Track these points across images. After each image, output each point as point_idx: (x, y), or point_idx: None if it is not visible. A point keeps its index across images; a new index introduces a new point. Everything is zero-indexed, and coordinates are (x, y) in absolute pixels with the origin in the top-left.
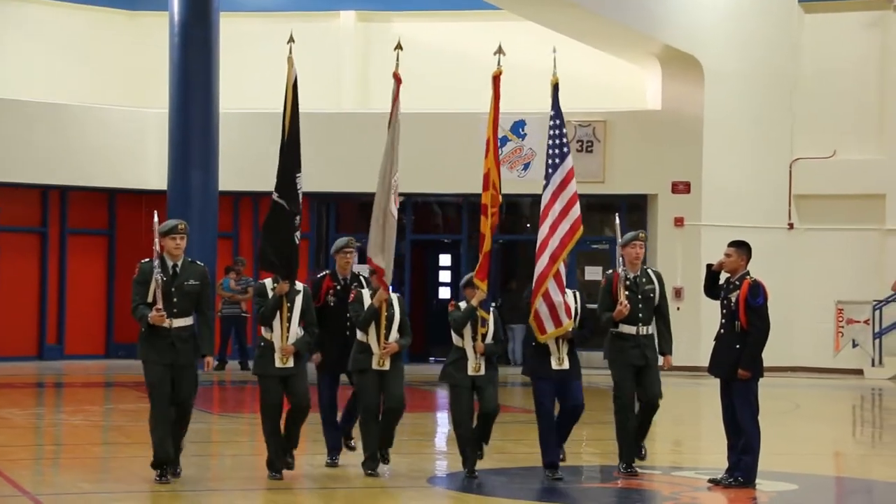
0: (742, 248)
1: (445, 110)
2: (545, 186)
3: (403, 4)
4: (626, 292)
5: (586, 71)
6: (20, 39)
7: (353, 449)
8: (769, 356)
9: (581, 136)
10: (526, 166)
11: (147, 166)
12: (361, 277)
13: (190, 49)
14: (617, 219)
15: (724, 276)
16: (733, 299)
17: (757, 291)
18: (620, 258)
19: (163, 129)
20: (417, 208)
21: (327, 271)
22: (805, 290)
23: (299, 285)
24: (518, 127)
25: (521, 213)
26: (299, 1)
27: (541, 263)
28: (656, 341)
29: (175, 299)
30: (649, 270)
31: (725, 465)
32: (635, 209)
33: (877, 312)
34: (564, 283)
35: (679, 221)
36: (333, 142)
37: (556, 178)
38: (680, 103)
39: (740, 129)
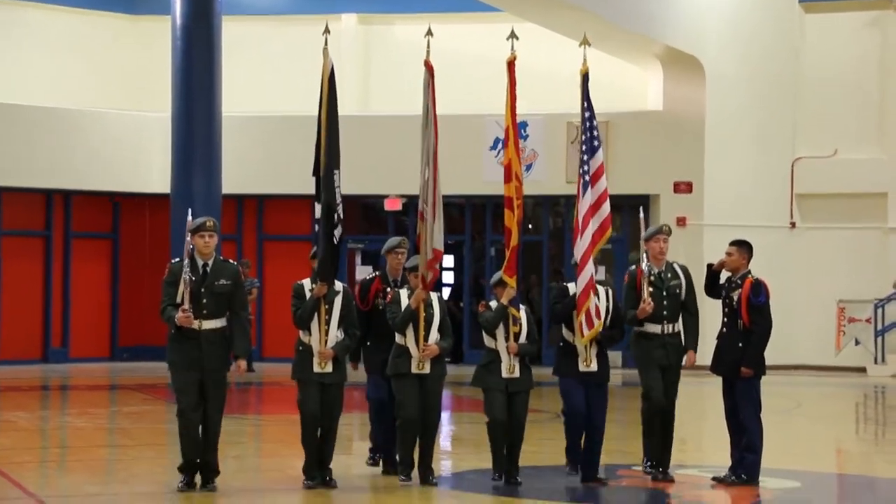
0: (743, 247)
1: (448, 112)
2: (581, 177)
3: (405, 7)
4: (650, 289)
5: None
6: (23, 44)
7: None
8: (771, 355)
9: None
10: (528, 168)
11: (150, 170)
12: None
13: (192, 52)
14: (641, 213)
15: (725, 276)
16: (735, 298)
17: (759, 290)
18: (644, 253)
19: (166, 133)
20: (420, 211)
21: (377, 273)
22: (807, 289)
23: (339, 286)
24: (520, 128)
25: (524, 213)
26: (301, 4)
27: (581, 258)
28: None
29: (204, 300)
30: (675, 265)
31: (729, 462)
32: (638, 209)
33: (878, 311)
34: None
35: (681, 221)
36: None
37: (590, 171)
38: (682, 104)
39: (742, 128)
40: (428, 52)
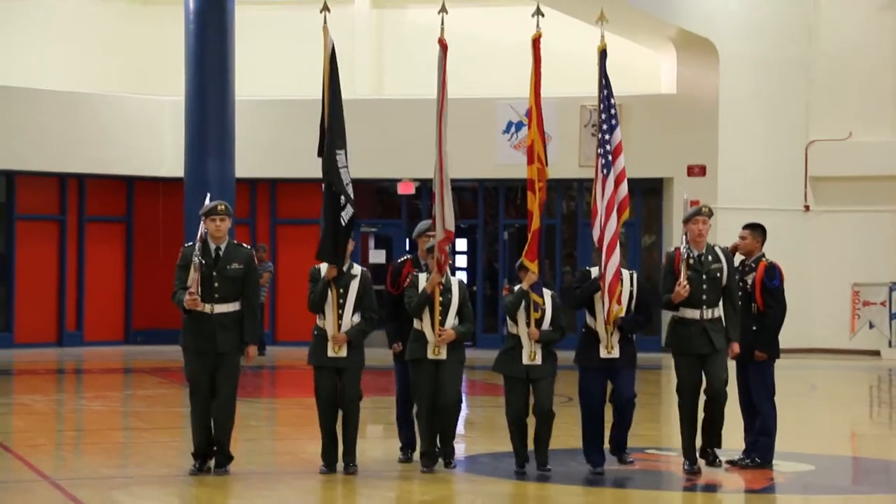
0: (757, 231)
1: (461, 96)
2: (599, 158)
3: None
4: (689, 272)
5: None
6: (36, 28)
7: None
8: (785, 338)
9: (596, 121)
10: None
11: (164, 154)
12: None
13: (205, 36)
14: (685, 194)
15: (738, 259)
16: (749, 281)
17: (773, 273)
18: (684, 235)
19: (179, 117)
20: (433, 193)
21: (409, 256)
22: (821, 272)
23: (357, 269)
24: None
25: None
26: None
27: (610, 242)
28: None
29: (216, 284)
30: (716, 248)
31: (743, 446)
32: (651, 193)
33: (893, 294)
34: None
35: (694, 205)
36: (348, 128)
37: (611, 149)
38: (695, 87)
39: (756, 111)
40: (442, 29)
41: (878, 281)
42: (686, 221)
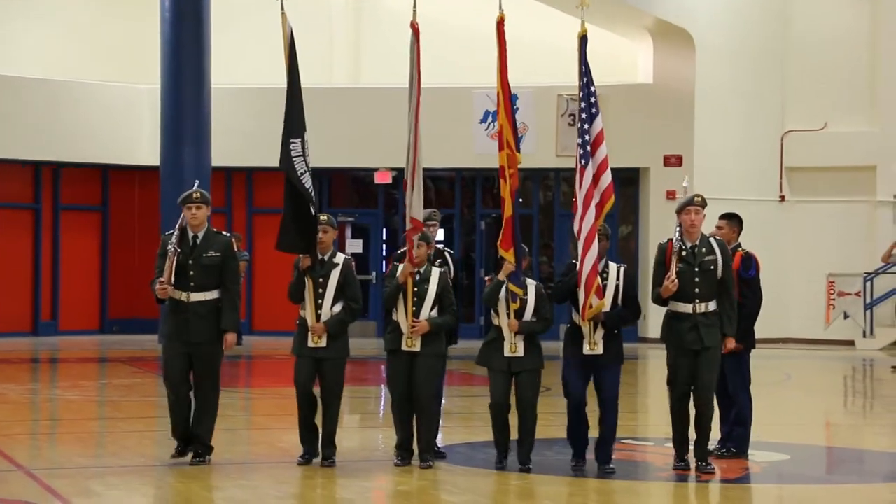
0: (734, 221)
1: (437, 84)
2: (580, 147)
3: None
4: (680, 264)
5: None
6: (12, 15)
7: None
8: (761, 328)
9: (573, 110)
10: (518, 140)
11: (140, 142)
12: (447, 253)
13: (181, 24)
14: (685, 181)
15: None
16: None
17: (749, 263)
18: (678, 226)
19: (155, 105)
20: (405, 181)
21: None
22: (796, 262)
23: (340, 258)
24: (511, 101)
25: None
26: None
27: (588, 234)
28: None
29: (192, 272)
30: (712, 240)
31: (718, 435)
32: (628, 183)
33: (868, 284)
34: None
35: (671, 195)
36: (325, 117)
37: (591, 138)
38: (671, 77)
39: (732, 101)
40: (414, 13)
41: (853, 271)
42: (679, 211)
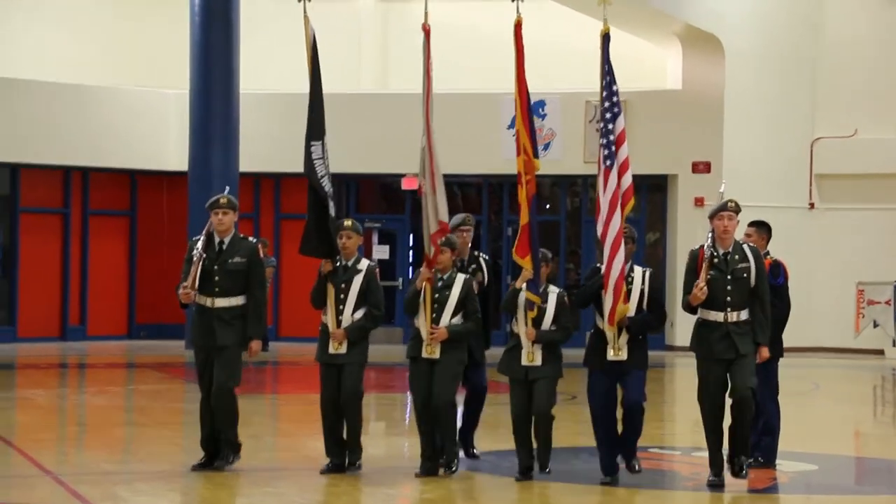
0: (762, 228)
1: (465, 90)
2: (603, 148)
3: None
4: (712, 272)
5: None
6: (41, 20)
7: (474, 457)
8: (789, 336)
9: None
10: (546, 146)
11: (168, 147)
12: (482, 259)
13: (211, 30)
14: (723, 186)
15: None
16: None
17: (778, 271)
18: (710, 233)
19: (184, 110)
20: (421, 185)
21: None
22: (826, 271)
23: (364, 263)
24: (538, 107)
25: (540, 193)
26: None
27: (615, 239)
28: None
29: (217, 277)
30: (745, 246)
31: None
32: (656, 189)
33: None
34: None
35: (699, 201)
36: (353, 123)
37: (614, 137)
38: (700, 83)
39: (761, 108)
40: (426, 14)
41: (883, 280)
42: (711, 217)
